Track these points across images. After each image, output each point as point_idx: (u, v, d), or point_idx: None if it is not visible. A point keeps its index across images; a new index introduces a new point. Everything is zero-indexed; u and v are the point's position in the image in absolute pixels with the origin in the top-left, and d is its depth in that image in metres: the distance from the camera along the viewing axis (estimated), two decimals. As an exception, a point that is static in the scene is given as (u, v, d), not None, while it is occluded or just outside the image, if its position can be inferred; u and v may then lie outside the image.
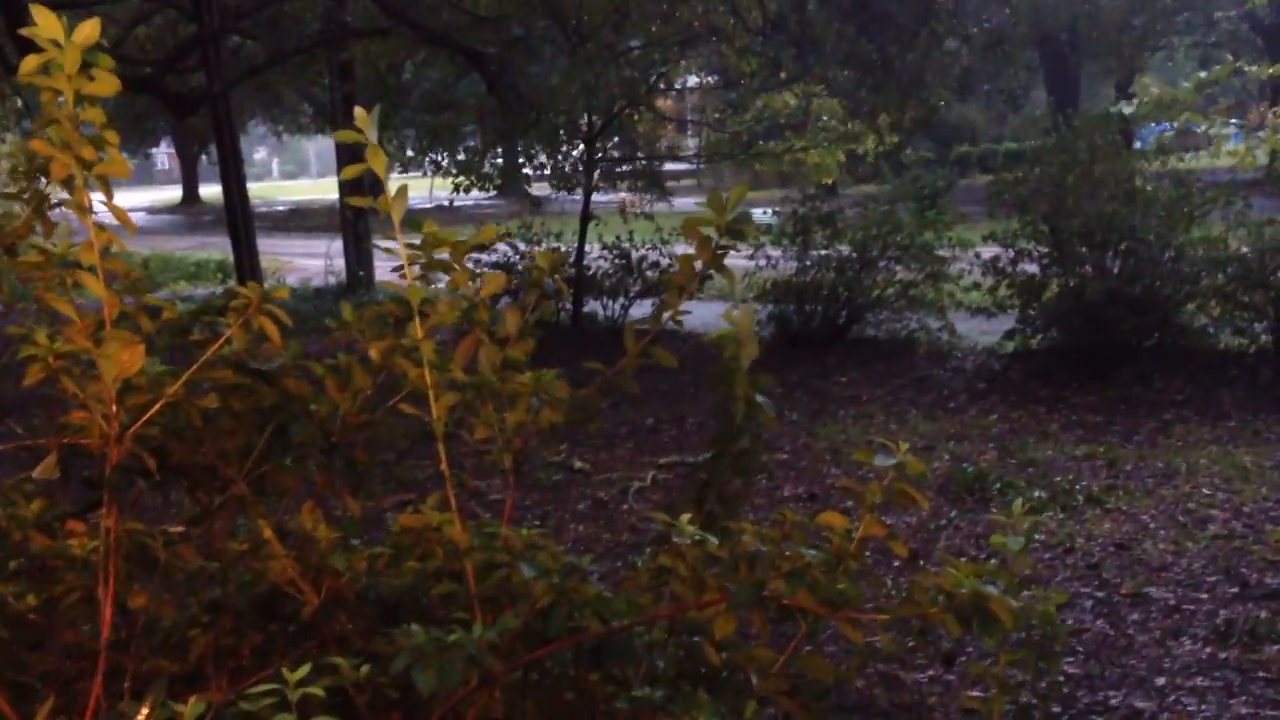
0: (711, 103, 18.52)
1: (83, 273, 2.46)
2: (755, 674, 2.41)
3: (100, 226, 2.43)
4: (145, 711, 1.95)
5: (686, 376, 9.30)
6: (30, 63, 2.29)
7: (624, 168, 15.47)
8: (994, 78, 24.46)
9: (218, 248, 20.57)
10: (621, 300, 12.84)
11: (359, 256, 17.39)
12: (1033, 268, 9.97)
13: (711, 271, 2.61)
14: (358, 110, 2.33)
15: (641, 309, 12.30)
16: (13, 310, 2.80)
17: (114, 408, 2.31)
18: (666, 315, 2.64)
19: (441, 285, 2.59)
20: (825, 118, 15.49)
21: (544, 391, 2.52)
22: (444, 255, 2.47)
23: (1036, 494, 6.43)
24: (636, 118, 15.11)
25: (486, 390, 2.50)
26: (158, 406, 2.40)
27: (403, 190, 2.43)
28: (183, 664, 2.34)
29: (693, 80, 19.30)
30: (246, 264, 13.88)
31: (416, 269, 2.48)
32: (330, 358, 2.71)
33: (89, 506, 2.48)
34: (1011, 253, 10.13)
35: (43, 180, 2.69)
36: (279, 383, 2.60)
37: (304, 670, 1.88)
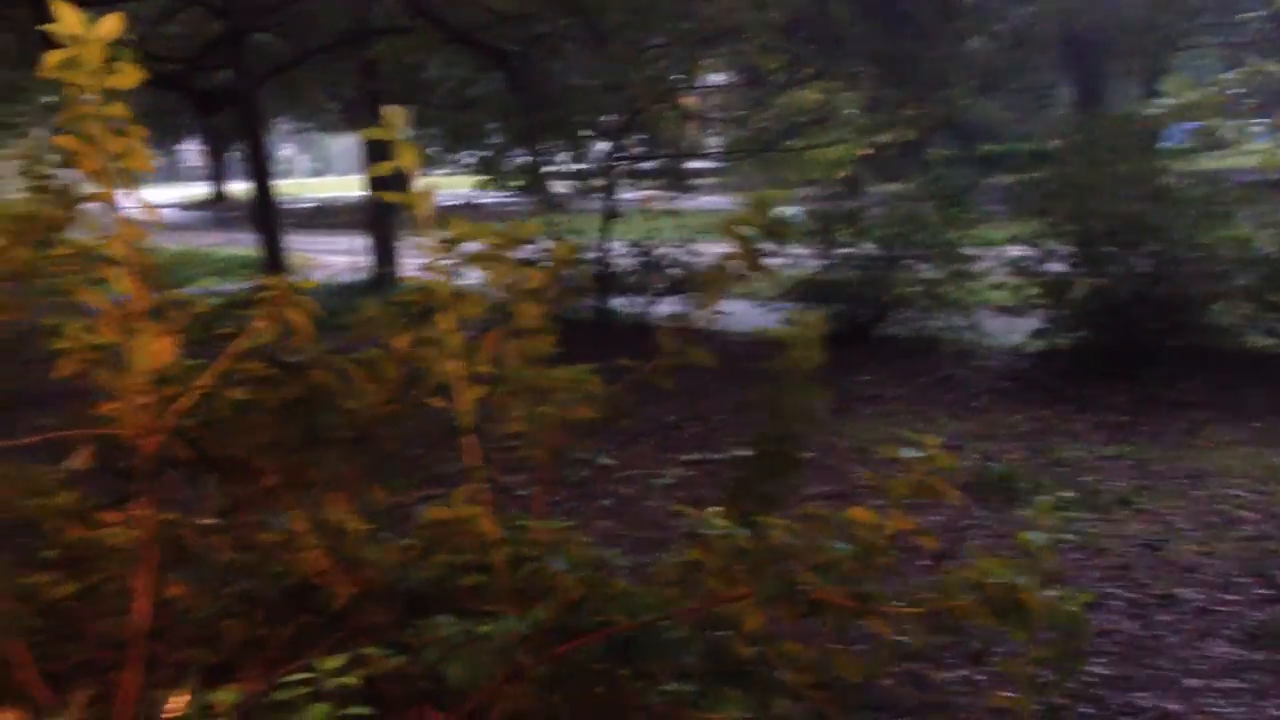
0: (735, 100, 18.49)
1: (111, 266, 2.47)
2: (784, 669, 2.40)
3: (128, 221, 2.44)
4: (180, 701, 1.96)
5: (708, 374, 9.27)
6: (54, 58, 2.30)
7: (647, 165, 15.48)
8: (1018, 76, 24.38)
9: (245, 244, 20.66)
10: (645, 297, 12.83)
11: (384, 253, 17.43)
12: (1059, 267, 9.92)
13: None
14: (388, 108, 2.33)
15: (666, 306, 12.29)
16: (40, 303, 2.81)
17: (147, 399, 2.33)
18: (702, 313, 2.65)
19: (468, 280, 2.60)
20: (847, 111, 15.45)
21: (579, 388, 2.52)
22: (477, 248, 2.47)
23: (1064, 494, 6.39)
24: (660, 116, 15.11)
25: (518, 384, 2.50)
26: (189, 398, 2.41)
27: (431, 186, 2.45)
28: (215, 654, 2.35)
29: (716, 78, 19.29)
30: (273, 260, 13.94)
31: (446, 262, 2.48)
32: (356, 352, 2.72)
33: (122, 497, 2.49)
34: (1037, 252, 10.09)
35: (69, 175, 2.71)
36: (308, 375, 2.61)
37: (339, 660, 1.88)
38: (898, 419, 8.56)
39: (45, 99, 16.13)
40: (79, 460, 2.40)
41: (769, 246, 2.69)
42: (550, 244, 2.76)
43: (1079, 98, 32.12)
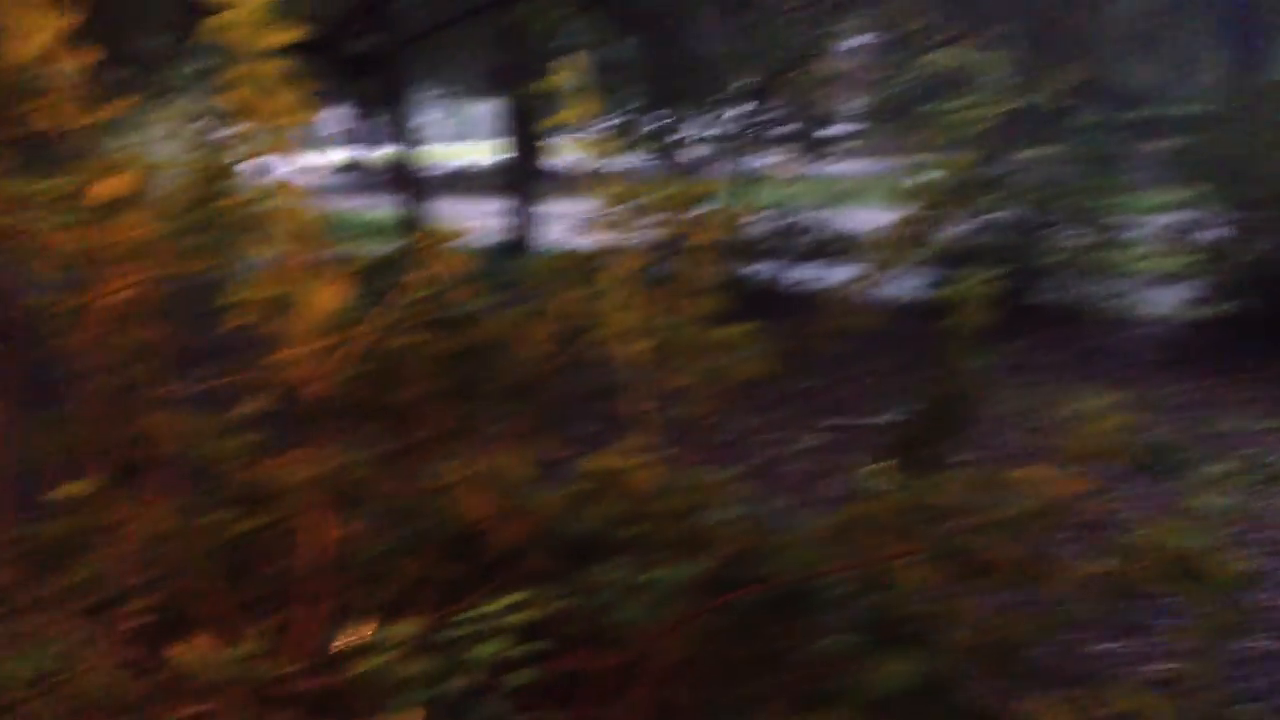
0: (874, 63, 18.17)
1: (277, 217, 2.55)
2: (951, 628, 2.37)
3: (290, 176, 2.52)
4: (358, 633, 2.02)
5: (847, 341, 9.18)
6: (214, 20, 2.38)
7: (782, 130, 15.32)
8: (1171, 38, 23.43)
9: (387, 208, 21.11)
10: (780, 263, 12.73)
11: (524, 217, 17.60)
12: (1214, 234, 9.57)
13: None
14: (569, 59, 2.35)
15: (801, 273, 12.19)
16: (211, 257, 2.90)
17: (317, 346, 2.39)
18: (864, 281, 2.64)
19: (631, 237, 2.62)
20: (991, 73, 15.04)
21: (742, 347, 2.52)
22: (647, 203, 2.48)
23: (1220, 467, 6.17)
24: (797, 80, 14.93)
25: (682, 341, 2.50)
26: (356, 346, 2.47)
27: (604, 139, 2.47)
28: (383, 594, 2.41)
29: (855, 41, 18.97)
30: (416, 224, 14.21)
31: (615, 217, 2.50)
32: (515, 307, 2.76)
33: (293, 442, 2.57)
34: (1192, 219, 9.75)
35: (228, 133, 2.79)
36: (471, 327, 2.66)
37: (512, 598, 1.92)
38: (1044, 389, 8.35)
39: (195, 67, 16.62)
40: (253, 405, 2.48)
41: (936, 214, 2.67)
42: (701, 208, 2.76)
43: (1235, 60, 30.74)
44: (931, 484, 2.33)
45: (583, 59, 2.39)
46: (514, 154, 17.70)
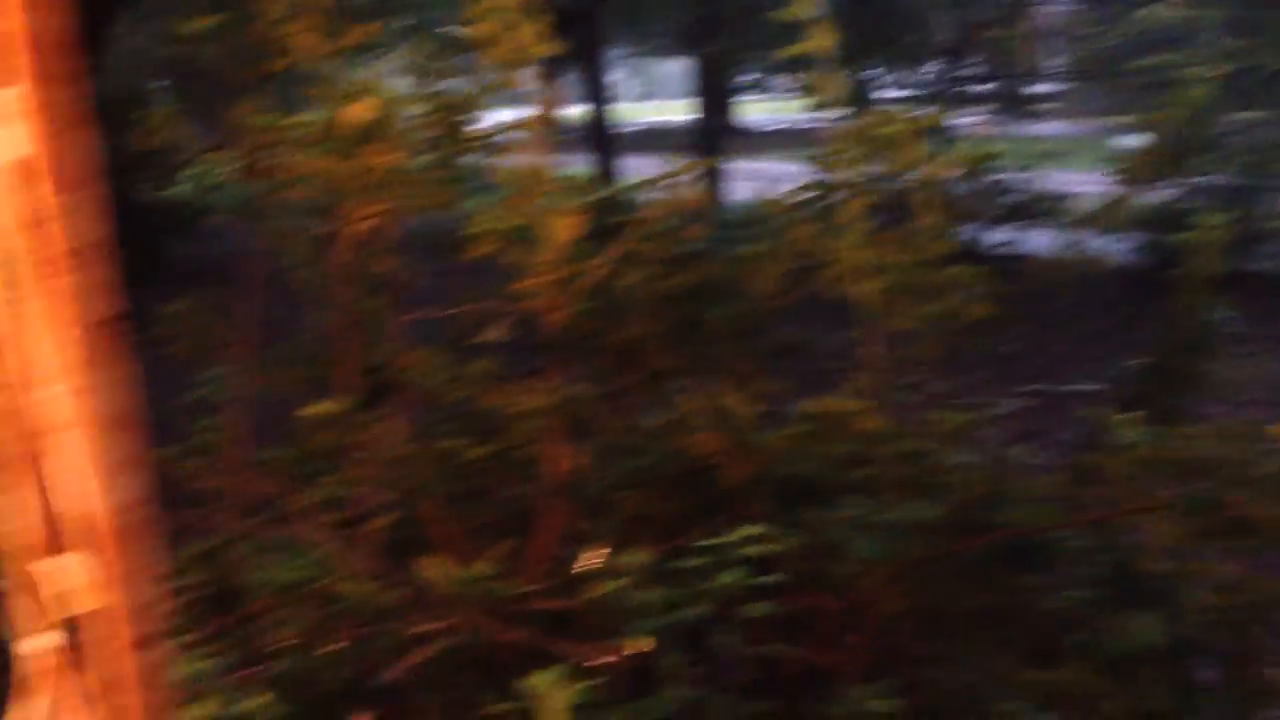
0: (1082, 18, 17.43)
1: (513, 150, 2.60)
2: (1191, 589, 2.27)
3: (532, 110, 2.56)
4: (595, 557, 2.06)
5: (1047, 306, 8.90)
6: None
7: (983, 88, 14.85)
8: None
9: (578, 165, 21.37)
10: (976, 224, 12.37)
11: (713, 175, 17.54)
12: None
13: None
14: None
15: (999, 235, 11.84)
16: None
17: (555, 275, 2.43)
18: (1076, 242, 2.57)
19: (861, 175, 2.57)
20: (1208, 30, 14.27)
21: (970, 285, 2.46)
22: (881, 136, 2.43)
23: None
24: (1000, 35, 14.45)
25: (910, 281, 2.45)
26: (590, 279, 2.50)
27: (825, 80, 2.43)
28: (610, 525, 2.45)
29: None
30: (609, 182, 14.33)
31: (848, 155, 2.46)
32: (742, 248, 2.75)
33: (529, 371, 2.62)
34: None
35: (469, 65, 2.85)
36: (700, 266, 2.66)
37: (751, 530, 1.92)
38: (1260, 359, 7.93)
39: (401, 23, 17.03)
40: (494, 333, 2.54)
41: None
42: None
43: None
44: (1178, 437, 2.23)
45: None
46: (703, 112, 17.65)
